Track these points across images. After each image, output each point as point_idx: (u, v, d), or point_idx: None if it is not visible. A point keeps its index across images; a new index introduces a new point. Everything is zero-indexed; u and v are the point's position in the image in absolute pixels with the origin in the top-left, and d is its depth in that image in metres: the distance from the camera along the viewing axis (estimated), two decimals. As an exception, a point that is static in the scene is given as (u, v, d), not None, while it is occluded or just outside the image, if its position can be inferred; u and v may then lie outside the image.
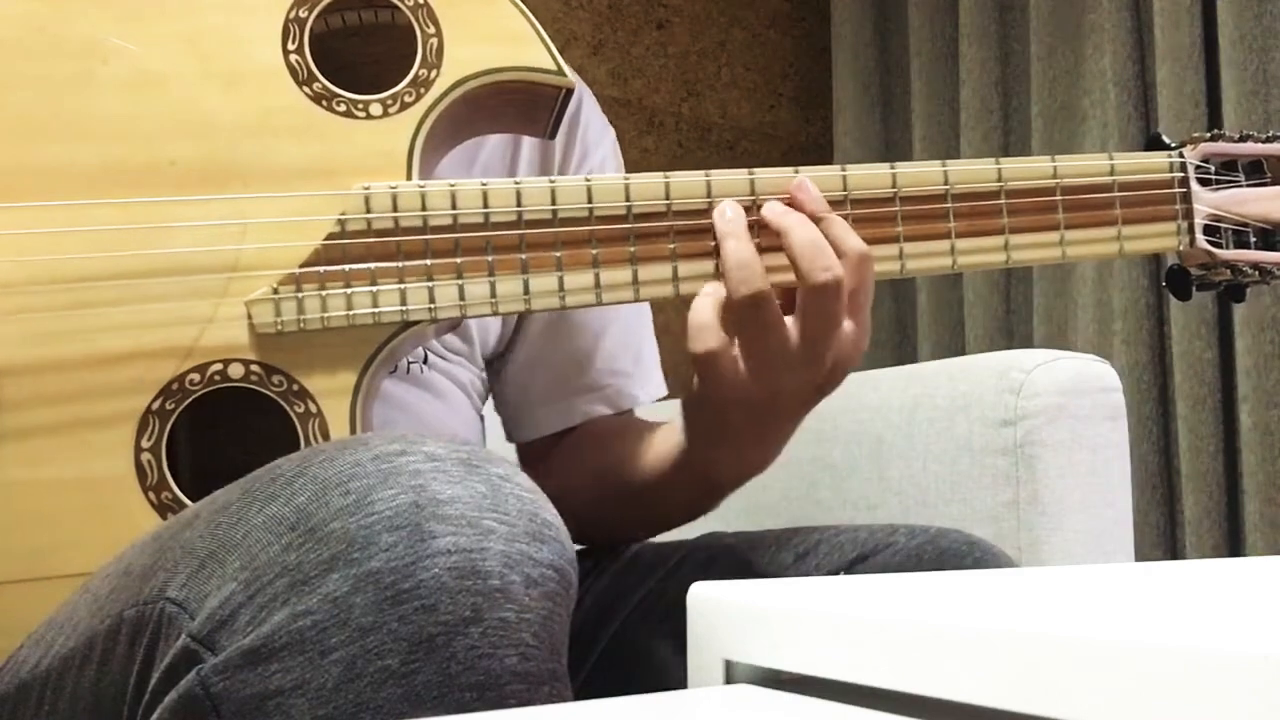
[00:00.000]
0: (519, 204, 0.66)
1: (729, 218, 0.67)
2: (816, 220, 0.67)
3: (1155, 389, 1.78)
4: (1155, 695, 0.29)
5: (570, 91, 0.70)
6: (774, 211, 0.67)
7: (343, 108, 0.67)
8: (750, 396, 0.66)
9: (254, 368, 0.63)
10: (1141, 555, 1.62)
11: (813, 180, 0.69)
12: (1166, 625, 0.33)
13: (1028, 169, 0.74)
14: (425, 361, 0.83)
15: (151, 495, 0.62)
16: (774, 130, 2.26)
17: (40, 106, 0.64)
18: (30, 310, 0.61)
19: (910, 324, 2.15)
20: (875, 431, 1.03)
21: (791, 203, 0.68)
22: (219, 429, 0.66)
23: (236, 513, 0.48)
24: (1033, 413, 0.92)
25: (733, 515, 1.15)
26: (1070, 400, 0.93)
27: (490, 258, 0.66)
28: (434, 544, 0.44)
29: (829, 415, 1.08)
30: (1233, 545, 1.67)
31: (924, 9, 2.13)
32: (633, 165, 2.19)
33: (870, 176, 0.71)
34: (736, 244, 0.66)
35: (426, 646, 0.42)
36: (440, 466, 0.46)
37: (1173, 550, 1.75)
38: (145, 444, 0.62)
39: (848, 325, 0.66)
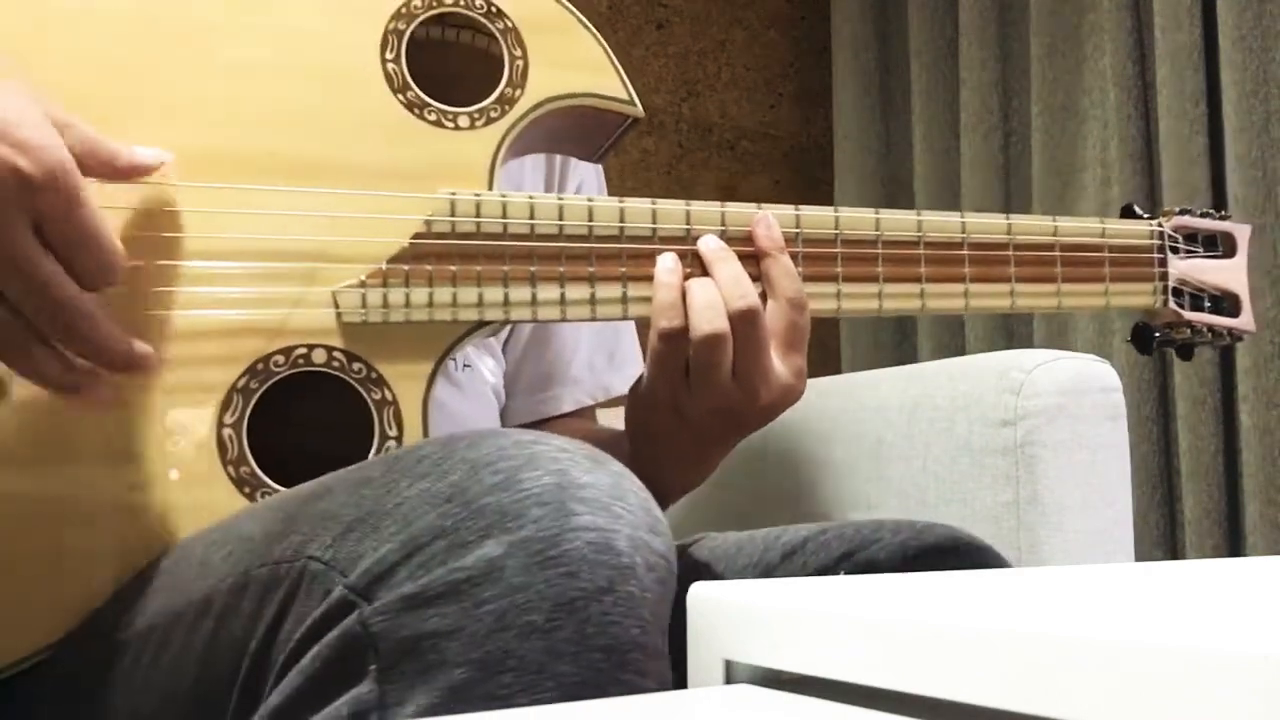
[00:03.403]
0: (590, 219, 0.71)
1: (713, 247, 0.73)
2: (762, 256, 0.73)
3: (1155, 389, 1.78)
4: (1155, 695, 0.29)
5: (638, 120, 0.76)
6: (707, 246, 0.73)
7: (433, 117, 0.71)
8: (695, 417, 0.72)
9: (336, 354, 0.67)
10: (1141, 555, 1.62)
11: (850, 220, 0.77)
12: (1166, 625, 0.33)
13: (1033, 225, 0.82)
14: (465, 361, 0.87)
15: (231, 469, 0.64)
16: (774, 130, 2.26)
17: (144, 87, 0.66)
18: (127, 283, 0.62)
19: (910, 324, 2.15)
20: (875, 431, 1.03)
21: (750, 234, 0.74)
22: (286, 412, 0.68)
23: (383, 486, 0.52)
24: (1033, 413, 0.92)
25: (734, 515, 1.14)
26: (1070, 400, 0.93)
27: (562, 268, 0.71)
28: (576, 520, 0.48)
29: (829, 415, 1.08)
30: (1233, 545, 1.67)
31: (924, 9, 2.13)
32: (633, 166, 2.19)
33: (897, 221, 0.78)
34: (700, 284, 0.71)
35: (568, 608, 0.46)
36: (572, 457, 0.51)
37: (1173, 550, 1.75)
38: (228, 419, 0.65)
39: (777, 362, 0.72)
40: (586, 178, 0.96)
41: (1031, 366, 0.94)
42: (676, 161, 2.14)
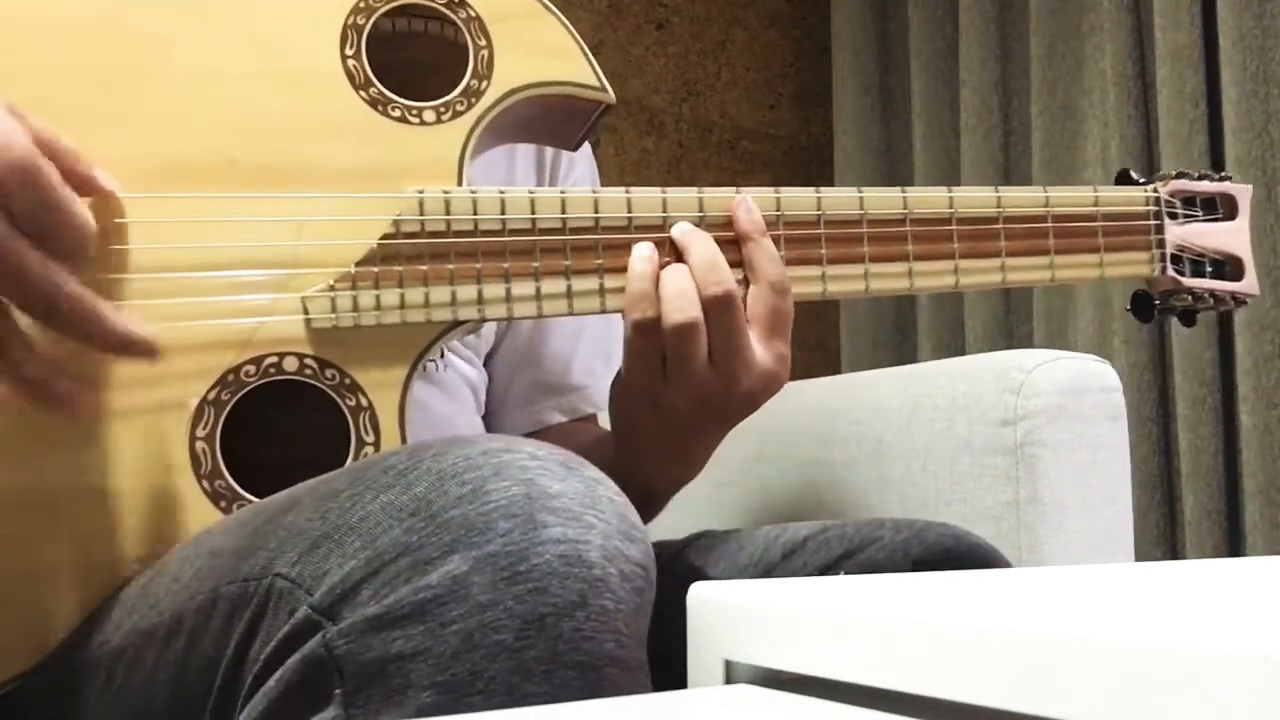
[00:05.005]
0: (563, 211, 0.69)
1: (686, 230, 0.71)
2: (743, 240, 0.71)
3: (1155, 389, 1.78)
4: (1155, 695, 0.29)
5: (610, 107, 0.73)
6: (680, 231, 0.71)
7: (397, 113, 0.69)
8: (674, 408, 0.70)
9: (308, 361, 0.65)
10: (1141, 555, 1.62)
11: (832, 200, 0.74)
12: (1166, 625, 0.33)
13: (1023, 197, 0.80)
14: (442, 358, 0.85)
15: (205, 483, 0.63)
16: (774, 130, 2.26)
17: (103, 98, 0.65)
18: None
19: (910, 324, 2.15)
20: (875, 431, 1.03)
21: (730, 219, 0.71)
22: (261, 422, 0.67)
23: (349, 499, 0.51)
24: (1033, 413, 0.92)
25: (734, 515, 1.14)
26: (1070, 400, 0.93)
27: (536, 263, 0.69)
28: (545, 533, 0.46)
29: (829, 415, 1.08)
30: (1233, 545, 1.67)
31: (924, 9, 2.13)
32: (633, 166, 2.19)
33: (882, 199, 0.76)
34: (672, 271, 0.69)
35: (538, 625, 0.45)
36: (543, 465, 0.49)
37: (1173, 550, 1.75)
38: (200, 433, 0.63)
39: (759, 348, 0.70)
40: (580, 165, 0.94)
41: (1031, 366, 0.94)
42: (676, 161, 2.14)
